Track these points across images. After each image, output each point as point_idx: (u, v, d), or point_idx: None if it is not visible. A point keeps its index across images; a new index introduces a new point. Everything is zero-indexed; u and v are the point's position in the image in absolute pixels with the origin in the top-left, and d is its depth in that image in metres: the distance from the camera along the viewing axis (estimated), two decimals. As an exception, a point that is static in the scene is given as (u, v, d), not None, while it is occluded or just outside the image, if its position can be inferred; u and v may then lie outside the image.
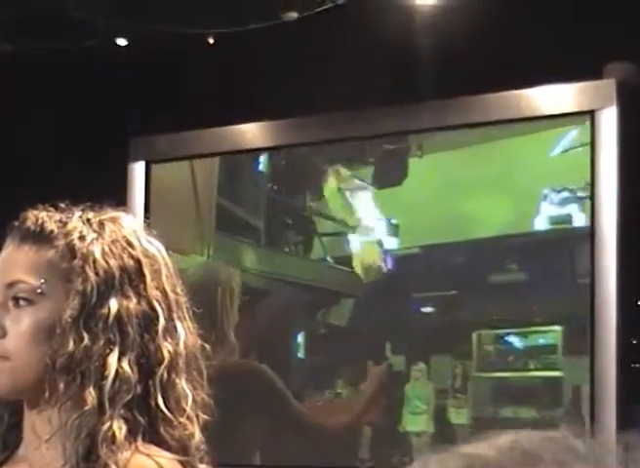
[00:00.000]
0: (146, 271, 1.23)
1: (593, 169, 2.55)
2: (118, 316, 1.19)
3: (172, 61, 3.15)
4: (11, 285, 1.22)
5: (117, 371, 1.17)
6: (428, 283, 2.98)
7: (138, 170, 3.17)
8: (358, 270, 3.11)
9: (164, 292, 1.22)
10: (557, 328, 2.75)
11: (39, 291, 1.20)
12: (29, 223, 1.24)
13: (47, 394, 1.20)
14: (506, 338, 2.84)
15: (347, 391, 3.15)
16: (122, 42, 3.18)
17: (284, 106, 2.98)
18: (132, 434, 1.17)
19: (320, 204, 3.18)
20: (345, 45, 2.96)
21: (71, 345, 1.18)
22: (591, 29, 2.70)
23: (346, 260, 3.14)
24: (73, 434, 1.16)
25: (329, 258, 3.16)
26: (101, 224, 1.24)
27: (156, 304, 1.22)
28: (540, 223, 2.77)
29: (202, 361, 1.24)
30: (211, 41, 3.05)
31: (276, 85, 3.05)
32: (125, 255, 1.22)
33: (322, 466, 3.06)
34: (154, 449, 1.18)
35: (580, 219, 2.73)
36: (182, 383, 1.21)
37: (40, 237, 1.23)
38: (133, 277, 1.22)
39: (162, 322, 1.21)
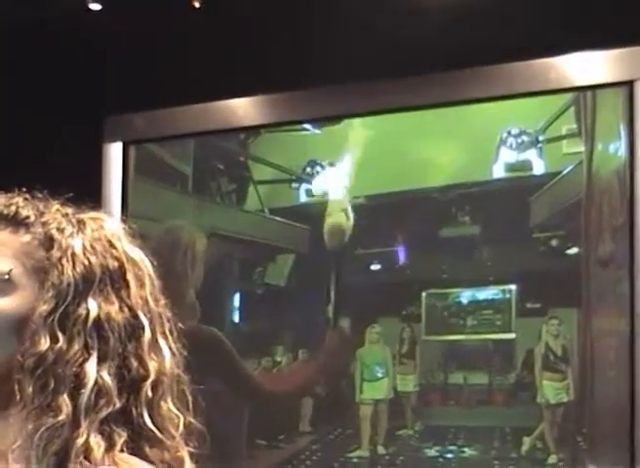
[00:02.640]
0: (130, 277, 1.24)
1: (632, 143, 2.54)
2: (97, 319, 1.20)
3: (151, 29, 3.07)
4: None
5: (96, 381, 1.17)
6: (374, 237, 3.04)
7: (114, 151, 3.16)
8: (298, 223, 3.16)
9: (147, 304, 1.24)
10: (511, 287, 2.82)
11: (6, 277, 1.20)
12: (2, 206, 1.24)
13: (11, 398, 1.19)
14: (457, 298, 2.91)
15: (287, 359, 3.21)
16: (95, 6, 3.10)
17: (277, 79, 2.96)
18: (111, 450, 1.16)
19: (256, 148, 3.20)
20: (347, 10, 2.91)
21: (44, 345, 1.18)
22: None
23: (285, 212, 3.18)
24: (42, 446, 1.16)
25: (266, 210, 3.17)
26: (82, 221, 1.25)
27: (140, 314, 1.23)
28: (497, 171, 2.83)
29: (186, 386, 1.25)
30: (196, 4, 3.00)
31: (268, 55, 3.00)
32: (108, 256, 1.23)
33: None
34: (136, 461, 1.18)
35: (538, 167, 2.79)
36: (170, 405, 1.22)
37: (14, 221, 1.24)
38: (115, 280, 1.22)
39: (147, 334, 1.22)
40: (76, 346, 1.18)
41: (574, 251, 2.74)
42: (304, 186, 3.18)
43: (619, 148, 2.61)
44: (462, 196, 2.91)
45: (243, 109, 3.08)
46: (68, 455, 1.15)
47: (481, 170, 2.88)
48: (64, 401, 1.16)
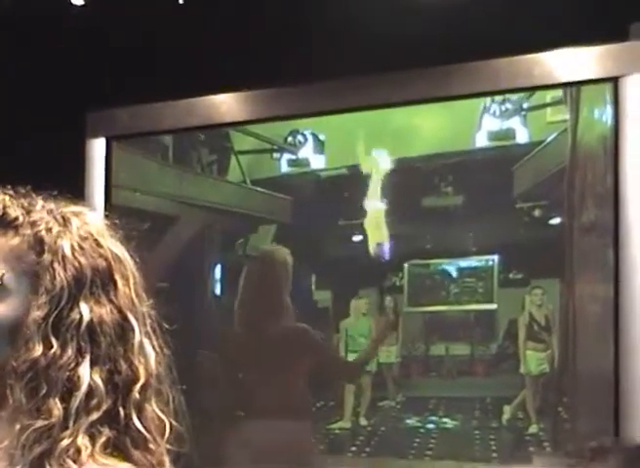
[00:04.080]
0: (117, 276, 1.21)
1: (617, 140, 2.49)
2: (90, 323, 1.17)
3: (135, 24, 3.01)
4: None
5: (89, 385, 1.15)
6: (357, 208, 2.99)
7: (97, 147, 3.10)
8: (280, 193, 3.11)
9: (133, 303, 1.22)
10: (494, 257, 2.78)
11: (0, 282, 1.17)
12: None
13: (2, 402, 1.16)
14: (440, 269, 2.87)
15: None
16: (78, 1, 3.02)
17: (260, 75, 2.90)
18: (96, 451, 1.14)
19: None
20: (333, 6, 2.85)
21: (37, 351, 1.15)
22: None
23: (267, 182, 3.14)
24: (28, 446, 1.14)
25: (247, 180, 3.15)
26: (66, 218, 1.21)
27: (130, 315, 1.21)
28: (480, 140, 2.78)
29: (169, 387, 1.23)
30: (180, 1, 2.94)
31: (252, 52, 2.94)
32: (96, 255, 1.20)
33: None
34: (116, 462, 1.15)
35: (522, 135, 2.74)
36: (154, 407, 1.20)
37: (2, 223, 1.20)
38: (105, 281, 1.20)
39: (137, 336, 1.20)
40: (69, 351, 1.16)
41: (557, 220, 2.70)
42: (286, 156, 3.13)
43: (603, 114, 2.56)
44: (445, 166, 2.87)
45: (226, 105, 3.03)
46: (52, 455, 1.13)
47: (464, 138, 2.84)
48: (56, 404, 1.14)
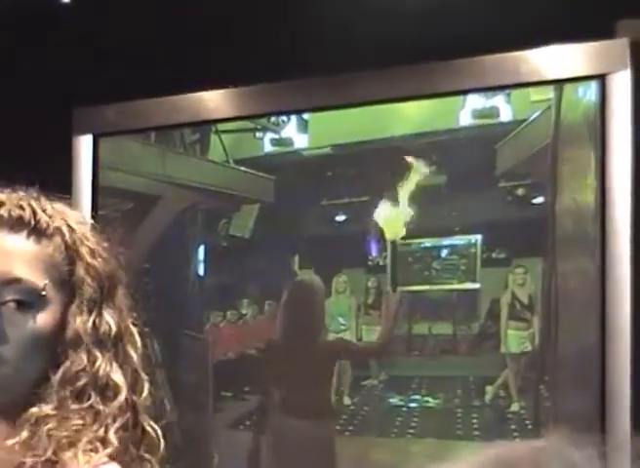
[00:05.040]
0: (116, 280, 1.26)
1: (604, 139, 2.49)
2: (117, 329, 1.22)
3: (122, 19, 3.00)
4: (9, 283, 1.17)
5: (120, 388, 1.19)
6: (339, 188, 2.98)
7: (83, 144, 3.08)
8: (263, 173, 3.09)
9: (131, 304, 1.28)
10: (477, 236, 2.77)
11: (43, 292, 1.18)
12: (17, 209, 1.20)
13: (35, 405, 1.18)
14: (423, 248, 2.86)
15: (252, 311, 3.17)
16: None
17: (248, 72, 2.89)
18: (111, 450, 1.17)
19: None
20: (318, 4, 2.85)
21: (82, 359, 1.19)
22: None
23: (250, 162, 3.12)
24: (52, 438, 1.15)
25: (230, 160, 3.13)
26: (78, 224, 1.24)
27: (131, 318, 1.25)
28: (464, 118, 2.77)
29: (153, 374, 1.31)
30: None
31: (242, 46, 2.94)
32: (107, 261, 1.24)
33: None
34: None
35: (505, 113, 2.73)
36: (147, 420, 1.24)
37: (36, 229, 1.20)
38: (117, 286, 1.24)
39: (137, 341, 1.25)
40: (103, 358, 1.19)
41: (540, 199, 2.69)
42: (269, 136, 3.11)
43: (587, 92, 2.55)
44: (428, 144, 2.85)
45: (214, 102, 3.01)
46: (77, 448, 1.15)
47: (447, 117, 2.82)
48: (92, 408, 1.17)
